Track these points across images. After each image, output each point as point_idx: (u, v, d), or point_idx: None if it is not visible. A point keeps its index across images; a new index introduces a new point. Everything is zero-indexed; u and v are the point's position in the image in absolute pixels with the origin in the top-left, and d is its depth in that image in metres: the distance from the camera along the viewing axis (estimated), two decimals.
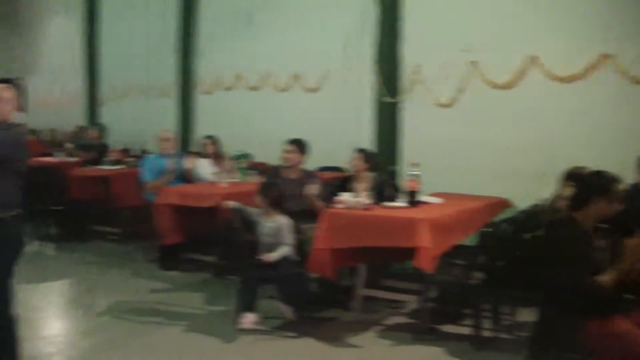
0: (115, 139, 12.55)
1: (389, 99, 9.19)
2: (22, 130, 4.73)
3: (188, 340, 5.73)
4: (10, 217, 4.42)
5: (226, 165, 8.50)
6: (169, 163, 8.29)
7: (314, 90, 10.65)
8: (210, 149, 8.92)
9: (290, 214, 6.13)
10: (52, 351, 5.52)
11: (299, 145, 7.15)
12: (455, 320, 6.08)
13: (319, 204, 6.62)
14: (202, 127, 12.92)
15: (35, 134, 15.60)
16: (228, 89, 12.59)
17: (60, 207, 9.62)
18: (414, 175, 6.18)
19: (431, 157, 8.41)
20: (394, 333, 5.90)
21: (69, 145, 11.93)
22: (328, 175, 8.56)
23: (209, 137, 9.06)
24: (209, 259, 7.91)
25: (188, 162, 8.37)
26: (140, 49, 15.39)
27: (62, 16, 20.18)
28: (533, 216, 5.69)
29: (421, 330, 5.74)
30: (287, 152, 7.12)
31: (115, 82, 16.83)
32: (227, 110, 12.51)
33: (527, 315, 5.54)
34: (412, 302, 6.43)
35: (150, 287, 7.36)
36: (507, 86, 8.13)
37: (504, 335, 5.72)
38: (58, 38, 20.90)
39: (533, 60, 7.96)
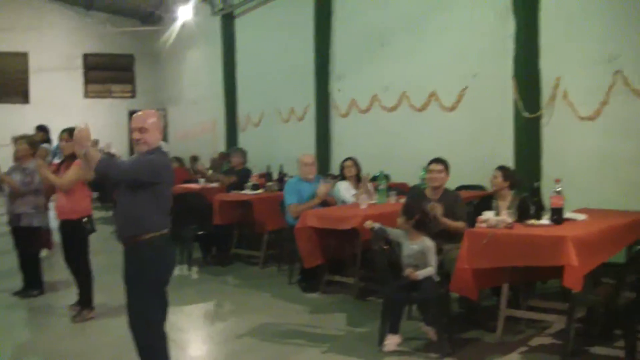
0: (255, 164, 12.86)
1: (528, 115, 8.99)
2: (166, 156, 4.91)
3: None
4: (149, 239, 4.63)
5: (366, 186, 8.50)
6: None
7: (451, 108, 10.57)
8: (351, 171, 8.92)
9: (433, 234, 6.08)
10: None
11: (445, 165, 7.05)
12: (605, 341, 5.83)
13: (449, 222, 6.57)
14: (339, 150, 13.05)
15: (179, 161, 16.16)
16: (364, 110, 12.68)
17: (204, 232, 9.90)
18: (557, 191, 6.00)
19: (574, 172, 8.21)
20: (540, 355, 5.72)
21: (210, 172, 12.25)
22: (468, 194, 8.45)
23: (350, 159, 9.07)
24: (350, 280, 7.92)
25: (325, 186, 8.42)
26: (277, 74, 15.75)
27: (202, 48, 20.91)
28: None
29: (568, 352, 5.52)
30: (436, 171, 7.00)
31: (254, 108, 17.27)
32: (364, 132, 12.61)
33: None
34: (557, 322, 6.20)
35: (292, 310, 7.46)
36: None
37: None
38: (198, 69, 21.67)
39: None
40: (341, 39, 13.46)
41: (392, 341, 5.83)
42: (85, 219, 7.16)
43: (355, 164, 8.94)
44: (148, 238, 4.61)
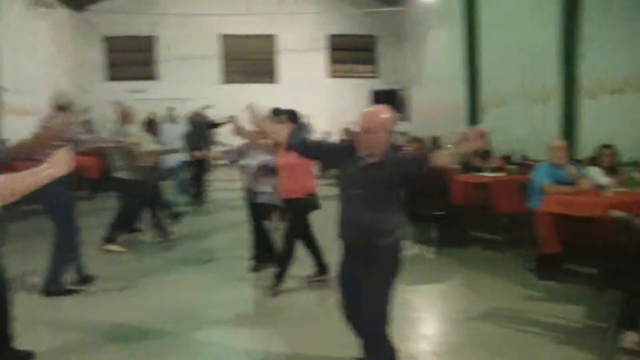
0: (496, 145, 12.61)
1: None
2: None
3: (564, 354, 5.54)
4: (386, 245, 4.44)
5: (617, 175, 8.02)
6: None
7: None
8: (607, 160, 8.42)
9: None
10: (432, 351, 5.70)
11: None
12: None
13: None
14: (585, 134, 12.51)
15: (418, 141, 16.21)
16: (614, 92, 12.01)
17: (442, 212, 9.86)
18: None
19: None
20: None
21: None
22: None
23: (608, 147, 8.55)
24: (590, 271, 7.55)
25: (590, 183, 8.05)
26: (521, 54, 15.38)
27: (444, 29, 20.90)
28: None
29: None
30: None
31: (496, 88, 17.01)
32: (613, 116, 11.97)
33: None
34: None
35: (526, 296, 7.28)
36: None
37: None
38: (440, 49, 21.69)
39: None
40: (591, 17, 12.81)
41: (630, 338, 5.45)
42: (308, 197, 7.43)
43: (613, 153, 8.41)
44: (385, 244, 4.44)
